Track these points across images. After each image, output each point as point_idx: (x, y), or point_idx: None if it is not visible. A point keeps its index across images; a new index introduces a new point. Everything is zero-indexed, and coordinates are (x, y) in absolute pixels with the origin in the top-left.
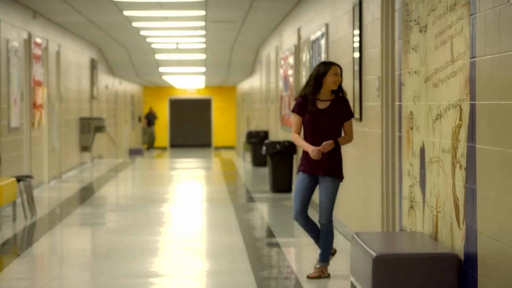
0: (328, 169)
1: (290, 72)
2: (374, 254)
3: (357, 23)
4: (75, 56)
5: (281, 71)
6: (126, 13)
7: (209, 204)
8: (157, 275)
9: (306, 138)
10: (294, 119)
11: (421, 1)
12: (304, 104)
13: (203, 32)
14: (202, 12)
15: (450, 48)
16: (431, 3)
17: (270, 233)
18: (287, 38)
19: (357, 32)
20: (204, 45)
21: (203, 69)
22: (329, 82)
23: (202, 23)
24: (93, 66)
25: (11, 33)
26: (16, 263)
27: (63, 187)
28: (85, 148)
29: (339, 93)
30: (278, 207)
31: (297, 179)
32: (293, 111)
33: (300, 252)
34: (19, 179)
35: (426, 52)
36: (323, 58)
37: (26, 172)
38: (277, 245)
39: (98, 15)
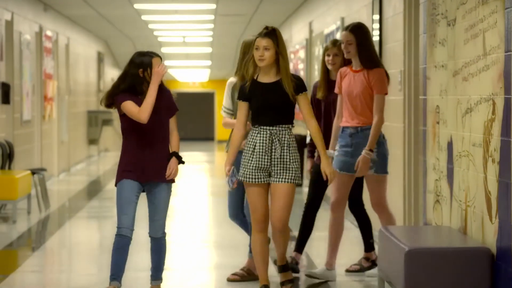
0: None
1: (301, 66)
2: (407, 249)
3: (376, 17)
4: (83, 49)
5: (291, 65)
6: (137, 6)
7: (213, 198)
8: (165, 269)
9: None
10: None
11: None
12: None
13: (211, 26)
14: (213, 6)
15: (482, 41)
16: None
17: None
18: (297, 32)
19: (376, 26)
20: (211, 39)
21: (209, 62)
22: None
23: (212, 17)
24: (100, 59)
25: (23, 26)
26: (31, 257)
27: (73, 180)
28: (92, 141)
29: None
30: None
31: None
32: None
33: (311, 245)
34: (33, 172)
35: (454, 46)
36: None
37: (37, 165)
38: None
39: (109, 8)
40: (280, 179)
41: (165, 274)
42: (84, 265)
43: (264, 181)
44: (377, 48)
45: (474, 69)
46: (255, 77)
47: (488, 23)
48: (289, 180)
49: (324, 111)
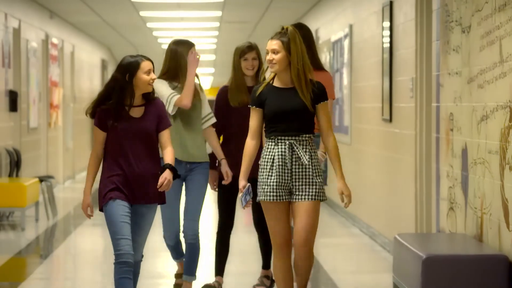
0: None
1: None
2: (424, 256)
3: (387, 24)
4: (88, 56)
5: None
6: (143, 13)
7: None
8: (169, 276)
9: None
10: None
11: (463, 2)
12: None
13: (216, 33)
14: (219, 13)
15: (498, 48)
16: (475, 3)
17: None
18: None
19: (387, 33)
20: (215, 46)
21: (212, 70)
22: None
23: (217, 24)
24: (103, 66)
25: (30, 33)
26: (40, 265)
27: (78, 188)
28: None
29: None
30: None
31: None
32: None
33: (320, 253)
34: (41, 180)
35: (469, 53)
36: (346, 58)
37: (43, 172)
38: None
39: (114, 15)
40: (303, 197)
41: (167, 282)
42: (91, 273)
43: (285, 199)
44: (387, 55)
45: (490, 76)
46: (271, 82)
47: (505, 30)
48: (314, 197)
49: (244, 119)
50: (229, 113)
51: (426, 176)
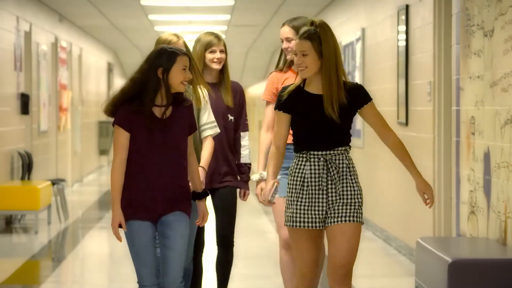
0: None
1: None
2: (450, 260)
3: (402, 28)
4: (94, 59)
5: None
6: (151, 17)
7: None
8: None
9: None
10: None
11: (485, 6)
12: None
13: (223, 36)
14: (227, 17)
15: None
16: (499, 7)
17: None
18: None
19: (402, 36)
20: None
21: None
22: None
23: (224, 27)
24: (109, 69)
25: (40, 37)
26: (56, 268)
27: (87, 191)
28: (103, 151)
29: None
30: None
31: None
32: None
33: None
34: (53, 183)
35: (492, 56)
36: (358, 62)
37: (53, 176)
38: None
39: (123, 18)
40: (341, 218)
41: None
42: (106, 276)
43: (319, 226)
44: (403, 58)
45: None
46: (301, 84)
47: None
48: (353, 219)
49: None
50: None
51: (444, 179)
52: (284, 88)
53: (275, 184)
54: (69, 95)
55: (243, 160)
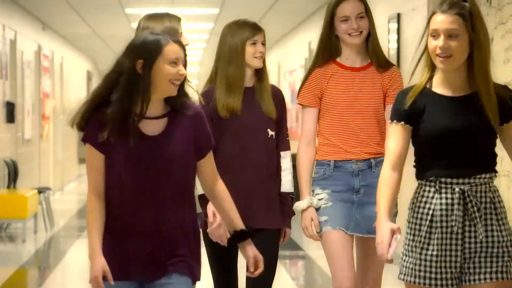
0: None
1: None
2: None
3: (394, 37)
4: (75, 67)
5: (287, 85)
6: (134, 25)
7: None
8: None
9: None
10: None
11: (484, 15)
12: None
13: (204, 45)
14: (210, 25)
15: None
16: (499, 16)
17: (295, 246)
18: (294, 50)
19: (393, 45)
20: (200, 58)
21: (195, 81)
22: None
23: (206, 36)
24: (88, 78)
25: (25, 45)
26: (45, 278)
27: (68, 199)
28: (83, 160)
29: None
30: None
31: None
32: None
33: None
34: (39, 191)
35: (492, 66)
36: None
37: (37, 184)
38: (303, 258)
39: (106, 26)
40: (487, 275)
41: None
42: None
43: (453, 284)
44: None
45: None
46: (427, 85)
47: None
48: (503, 275)
49: (239, 139)
50: (219, 130)
51: None
52: (404, 92)
53: (397, 236)
54: (51, 103)
55: (284, 188)
